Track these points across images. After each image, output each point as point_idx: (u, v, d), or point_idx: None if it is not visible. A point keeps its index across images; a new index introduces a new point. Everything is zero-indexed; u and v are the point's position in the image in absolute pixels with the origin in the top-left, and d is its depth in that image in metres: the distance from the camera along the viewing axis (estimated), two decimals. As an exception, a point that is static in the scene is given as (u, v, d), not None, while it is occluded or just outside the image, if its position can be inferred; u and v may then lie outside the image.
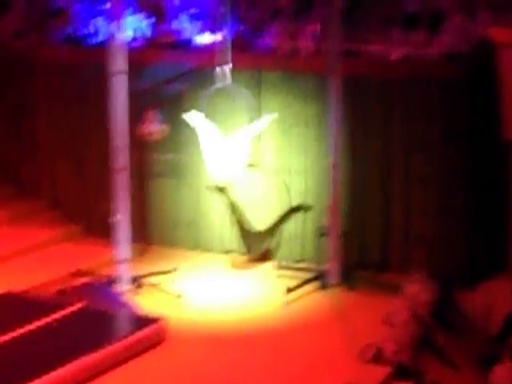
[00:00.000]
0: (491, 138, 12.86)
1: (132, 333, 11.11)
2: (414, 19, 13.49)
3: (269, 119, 13.26)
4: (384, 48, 13.14)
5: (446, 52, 12.76)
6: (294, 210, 13.71)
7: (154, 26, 14.64)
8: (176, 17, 14.75)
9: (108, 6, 14.81)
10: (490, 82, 12.75)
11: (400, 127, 12.97)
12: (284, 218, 13.78)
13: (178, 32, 14.48)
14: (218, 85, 13.19)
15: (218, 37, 13.82)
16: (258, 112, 13.38)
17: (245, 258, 13.92)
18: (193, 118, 13.30)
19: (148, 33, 14.52)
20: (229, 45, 13.22)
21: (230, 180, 13.45)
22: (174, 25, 14.62)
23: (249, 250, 14.01)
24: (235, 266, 13.77)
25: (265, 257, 13.90)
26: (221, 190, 13.65)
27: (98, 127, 14.08)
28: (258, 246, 13.95)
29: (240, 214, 13.95)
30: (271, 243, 13.87)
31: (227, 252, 14.04)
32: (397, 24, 13.43)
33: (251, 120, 13.26)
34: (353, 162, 13.22)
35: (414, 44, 13.02)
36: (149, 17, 14.78)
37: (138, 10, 14.82)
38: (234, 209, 13.93)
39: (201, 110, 13.24)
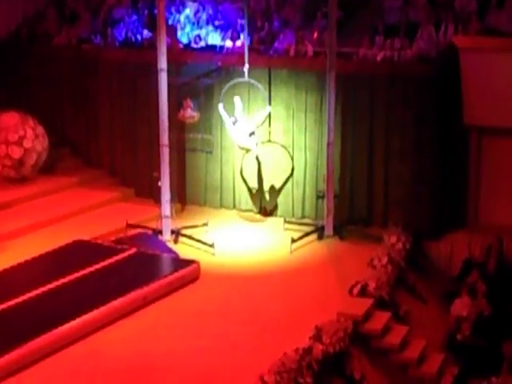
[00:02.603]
0: (454, 122, 12.84)
1: (173, 272, 11.23)
2: (394, 29, 13.41)
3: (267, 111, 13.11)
4: (370, 51, 13.07)
5: (419, 55, 12.68)
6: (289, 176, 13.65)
7: (190, 33, 14.55)
8: (206, 26, 14.67)
9: (148, 17, 14.84)
10: (454, 79, 12.73)
11: (382, 114, 12.86)
12: (285, 182, 13.73)
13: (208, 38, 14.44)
14: (240, 80, 13.06)
15: (239, 42, 13.83)
16: (270, 100, 13.25)
17: (257, 215, 13.81)
18: (222, 109, 13.15)
19: (186, 39, 14.42)
20: (247, 49, 13.09)
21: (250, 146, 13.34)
22: (205, 32, 14.53)
23: (259, 207, 13.82)
24: (251, 221, 13.75)
25: (271, 212, 13.80)
26: (247, 150, 13.48)
27: (146, 112, 14.02)
28: (269, 202, 13.86)
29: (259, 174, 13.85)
30: (276, 201, 13.77)
31: (244, 210, 13.98)
32: (380, 32, 13.35)
33: (264, 106, 13.16)
34: (344, 141, 13.15)
35: (394, 48, 12.92)
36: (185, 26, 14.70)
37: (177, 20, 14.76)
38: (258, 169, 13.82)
39: (223, 99, 13.10)
